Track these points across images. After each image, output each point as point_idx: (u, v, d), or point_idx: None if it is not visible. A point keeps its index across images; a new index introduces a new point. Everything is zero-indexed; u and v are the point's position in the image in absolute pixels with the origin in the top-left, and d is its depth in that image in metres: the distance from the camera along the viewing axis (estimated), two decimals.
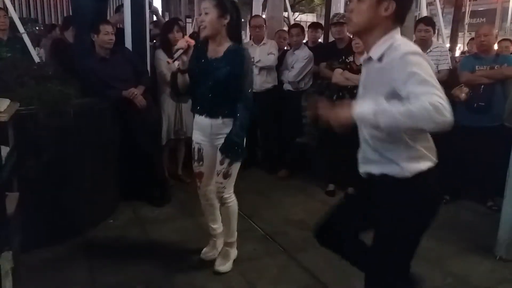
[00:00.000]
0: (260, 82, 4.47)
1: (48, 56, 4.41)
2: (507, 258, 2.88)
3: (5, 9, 4.12)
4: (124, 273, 2.63)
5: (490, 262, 2.88)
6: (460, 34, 15.41)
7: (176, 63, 2.36)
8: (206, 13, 2.30)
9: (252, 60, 4.36)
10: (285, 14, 9.22)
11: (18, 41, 3.91)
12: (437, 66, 3.93)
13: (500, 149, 3.39)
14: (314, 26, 5.12)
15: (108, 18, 4.16)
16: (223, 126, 2.43)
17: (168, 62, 2.35)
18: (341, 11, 5.69)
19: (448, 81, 3.94)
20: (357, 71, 3.57)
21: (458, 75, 3.83)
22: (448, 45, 9.01)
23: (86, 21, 3.58)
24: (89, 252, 2.87)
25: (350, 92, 3.63)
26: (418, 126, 1.39)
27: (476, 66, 3.73)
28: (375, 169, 1.67)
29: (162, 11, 12.93)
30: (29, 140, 2.71)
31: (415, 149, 1.60)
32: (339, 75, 3.81)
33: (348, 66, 3.82)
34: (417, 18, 4.71)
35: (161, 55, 3.93)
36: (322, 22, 6.30)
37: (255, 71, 4.45)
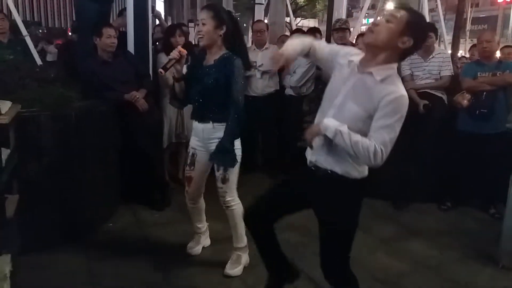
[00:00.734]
0: (262, 86, 4.47)
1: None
2: (509, 266, 2.86)
3: (8, 12, 4.14)
4: (124, 276, 2.62)
5: (492, 270, 2.86)
6: (461, 40, 15.45)
7: (169, 72, 2.46)
8: (203, 24, 2.40)
9: (254, 64, 4.37)
10: (287, 19, 9.26)
11: (19, 43, 3.92)
12: (439, 72, 3.93)
13: (503, 156, 3.39)
14: (311, 31, 5.11)
15: (111, 21, 4.17)
16: (214, 131, 2.51)
17: (160, 72, 2.43)
18: (343, 17, 5.69)
19: (450, 87, 3.94)
20: None
21: (460, 81, 3.83)
22: (449, 51, 9.02)
23: (89, 24, 3.59)
24: (89, 255, 2.85)
25: None
26: (357, 156, 1.71)
27: (478, 73, 3.72)
28: (329, 165, 1.83)
29: (165, 15, 12.98)
30: (30, 143, 2.72)
31: None
32: None
33: None
34: None
35: (163, 58, 3.93)
36: (324, 27, 6.32)
37: (257, 75, 4.46)
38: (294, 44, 1.94)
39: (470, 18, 20.05)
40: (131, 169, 3.58)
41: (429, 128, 3.75)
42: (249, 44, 5.74)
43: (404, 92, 1.69)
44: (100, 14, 3.75)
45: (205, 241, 3.02)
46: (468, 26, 19.93)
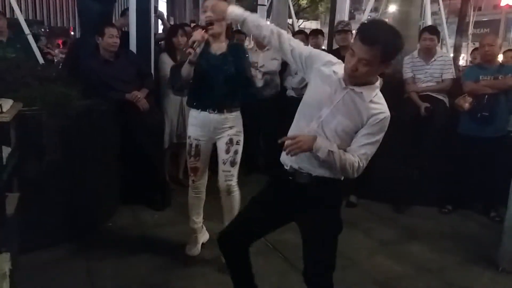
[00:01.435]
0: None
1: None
2: (510, 270, 2.84)
3: (10, 10, 4.15)
4: (123, 276, 2.61)
5: (492, 273, 2.85)
6: (464, 44, 15.43)
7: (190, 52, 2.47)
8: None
9: (256, 65, 4.37)
10: (290, 21, 9.26)
11: (18, 41, 3.92)
12: (441, 75, 3.92)
13: (503, 160, 3.38)
14: (314, 33, 5.12)
15: (113, 21, 4.18)
16: (225, 121, 2.60)
17: (189, 53, 2.46)
18: (346, 18, 5.68)
19: (452, 90, 3.93)
20: None
21: (461, 84, 3.82)
22: (451, 54, 9.01)
23: (92, 24, 3.59)
24: (88, 255, 2.85)
25: None
26: (339, 171, 1.76)
27: (480, 76, 3.71)
28: (315, 171, 1.82)
29: (167, 16, 12.98)
30: (30, 141, 2.71)
31: None
32: None
33: None
34: (421, 27, 4.71)
35: (166, 58, 3.94)
36: (326, 29, 6.31)
37: (258, 76, 4.46)
38: (252, 15, 1.99)
39: (472, 21, 20.00)
40: (132, 169, 3.58)
41: (430, 131, 3.74)
42: (251, 45, 5.74)
43: (388, 111, 1.76)
44: (103, 13, 3.76)
45: (203, 237, 3.01)
46: (471, 30, 19.89)
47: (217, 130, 2.62)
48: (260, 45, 4.61)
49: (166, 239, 3.14)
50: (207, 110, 2.59)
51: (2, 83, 2.73)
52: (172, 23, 8.61)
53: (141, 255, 2.88)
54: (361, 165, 1.73)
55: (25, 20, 4.23)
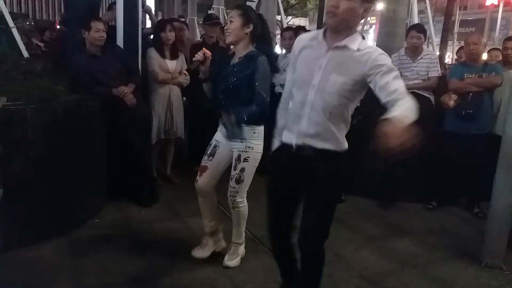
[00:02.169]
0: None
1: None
2: (492, 265, 2.90)
3: None
4: (109, 273, 2.59)
5: (475, 268, 2.90)
6: (449, 42, 15.60)
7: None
8: (231, 21, 2.47)
9: None
10: (278, 17, 9.26)
11: (1, 34, 3.84)
12: (427, 73, 3.97)
13: (487, 157, 3.43)
14: (298, 30, 5.10)
15: (100, 15, 4.12)
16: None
17: (185, 73, 2.59)
18: None
19: (437, 88, 3.98)
20: None
21: (447, 82, 3.87)
22: (438, 53, 9.11)
23: (78, 17, 3.54)
24: (74, 251, 2.82)
25: None
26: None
27: (465, 74, 3.77)
28: (316, 143, 1.85)
29: (155, 11, 12.87)
30: (15, 136, 2.68)
31: (347, 127, 1.90)
32: None
33: None
34: (408, 26, 4.76)
35: (153, 53, 3.91)
36: (315, 26, 6.32)
37: None
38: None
39: (458, 20, 20.24)
40: (119, 165, 3.55)
41: (416, 128, 3.78)
42: None
43: (379, 49, 1.79)
44: (89, 7, 3.71)
45: (217, 245, 2.82)
46: (456, 29, 20.12)
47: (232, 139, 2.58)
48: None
49: (153, 236, 3.12)
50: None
51: None
52: (160, 18, 8.55)
53: (128, 252, 2.87)
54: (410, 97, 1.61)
55: (9, 13, 4.15)
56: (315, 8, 20.05)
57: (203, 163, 2.68)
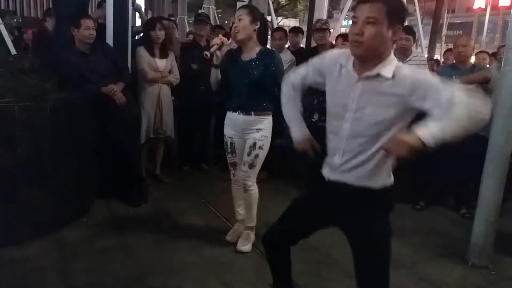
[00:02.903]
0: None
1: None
2: (479, 265, 2.94)
3: None
4: (98, 273, 2.57)
5: (462, 268, 2.93)
6: (437, 45, 15.80)
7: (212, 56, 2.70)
8: (239, 20, 2.63)
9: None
10: (268, 18, 9.27)
11: None
12: None
13: (475, 158, 3.47)
14: (295, 30, 5.14)
15: (90, 13, 4.09)
16: (254, 122, 2.75)
17: (205, 55, 2.67)
18: (324, 17, 5.74)
19: None
20: None
21: None
22: (426, 54, 9.22)
23: (66, 14, 3.50)
24: (62, 251, 2.79)
25: None
26: (466, 127, 1.44)
27: (453, 76, 3.80)
28: (362, 183, 1.70)
29: (145, 9, 12.80)
30: (2, 134, 2.64)
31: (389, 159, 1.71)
32: None
33: None
34: None
35: (143, 52, 3.88)
36: (305, 27, 6.35)
37: None
38: (292, 114, 1.99)
39: (446, 23, 20.51)
40: (108, 163, 3.52)
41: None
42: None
43: (412, 68, 1.65)
44: (78, 4, 3.67)
45: (241, 229, 3.07)
46: (444, 31, 20.39)
47: (245, 131, 2.78)
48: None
49: (142, 235, 3.10)
50: (237, 112, 2.77)
51: None
52: (150, 16, 8.50)
53: (116, 251, 2.85)
54: (464, 97, 1.41)
55: None
56: (305, 9, 20.15)
57: (230, 160, 2.94)
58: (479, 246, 2.97)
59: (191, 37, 6.01)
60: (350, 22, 1.78)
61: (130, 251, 2.86)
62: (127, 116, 3.53)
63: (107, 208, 3.50)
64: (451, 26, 22.37)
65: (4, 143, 2.66)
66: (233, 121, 2.82)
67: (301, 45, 5.27)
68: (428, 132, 1.43)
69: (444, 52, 8.07)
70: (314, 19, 5.42)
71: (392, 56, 1.62)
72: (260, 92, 2.71)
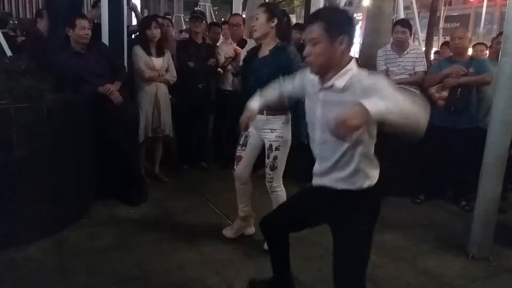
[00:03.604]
0: (237, 80, 4.45)
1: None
2: (479, 257, 2.94)
3: None
4: (98, 274, 2.57)
5: (462, 260, 2.94)
6: (435, 38, 15.76)
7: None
8: (257, 19, 2.68)
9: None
10: None
11: None
12: (413, 68, 3.99)
13: (474, 151, 3.47)
14: (299, 27, 4.86)
15: (85, 13, 4.07)
16: (267, 122, 2.71)
17: (219, 71, 2.77)
18: None
19: (423, 82, 4.01)
20: None
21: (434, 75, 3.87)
22: (423, 48, 9.20)
23: (61, 14, 3.49)
24: (62, 252, 2.79)
25: None
26: (412, 118, 1.47)
27: None
28: (340, 186, 1.79)
29: (141, 8, 12.76)
30: None
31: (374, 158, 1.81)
32: None
33: None
34: (394, 21, 4.78)
35: (139, 51, 3.87)
36: (301, 23, 6.31)
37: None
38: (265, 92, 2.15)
39: (443, 16, 20.46)
40: (106, 164, 3.51)
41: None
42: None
43: (368, 76, 1.65)
44: (72, 4, 3.65)
45: (246, 229, 3.08)
46: (441, 24, 20.35)
47: (260, 130, 2.75)
48: (235, 37, 4.58)
49: (141, 234, 3.10)
50: None
51: None
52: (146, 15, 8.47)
53: (116, 251, 2.84)
54: (411, 102, 1.46)
55: None
56: (301, 5, 20.09)
57: (237, 153, 2.87)
58: (479, 238, 2.97)
59: (185, 34, 5.99)
60: None
61: (130, 251, 2.86)
62: (125, 116, 3.52)
63: (106, 208, 3.49)
64: (448, 19, 22.31)
65: (1, 145, 2.65)
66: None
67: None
68: (372, 102, 1.43)
69: (441, 45, 8.05)
70: None
71: (350, 66, 1.69)
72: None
